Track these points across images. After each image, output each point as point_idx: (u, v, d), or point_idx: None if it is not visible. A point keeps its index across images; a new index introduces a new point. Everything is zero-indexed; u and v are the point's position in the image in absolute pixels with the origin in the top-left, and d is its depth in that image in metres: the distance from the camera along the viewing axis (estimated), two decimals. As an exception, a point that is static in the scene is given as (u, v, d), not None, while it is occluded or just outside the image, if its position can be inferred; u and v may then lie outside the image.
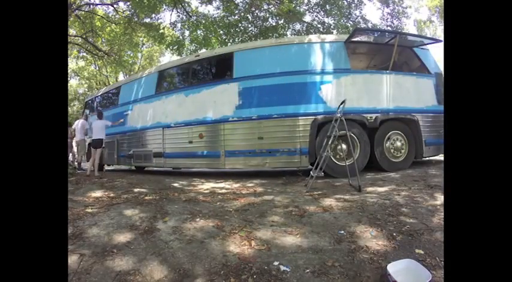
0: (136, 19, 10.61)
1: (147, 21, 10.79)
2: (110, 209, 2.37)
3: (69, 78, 17.20)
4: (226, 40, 10.41)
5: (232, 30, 10.42)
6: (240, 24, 10.58)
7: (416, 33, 13.38)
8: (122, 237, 1.74)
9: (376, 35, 4.57)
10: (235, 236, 1.75)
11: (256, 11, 10.55)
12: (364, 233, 1.74)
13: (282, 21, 10.61)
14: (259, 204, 2.46)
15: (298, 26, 10.75)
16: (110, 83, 15.78)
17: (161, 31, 10.42)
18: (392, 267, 1.24)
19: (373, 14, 39.12)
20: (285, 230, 1.84)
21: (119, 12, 11.10)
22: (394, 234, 1.69)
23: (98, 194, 3.11)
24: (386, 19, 10.38)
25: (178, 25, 10.84)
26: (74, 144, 6.97)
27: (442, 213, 1.95)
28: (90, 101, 7.83)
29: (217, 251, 1.56)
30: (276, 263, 1.39)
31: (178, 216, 2.17)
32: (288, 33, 10.71)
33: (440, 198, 2.37)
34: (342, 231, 1.77)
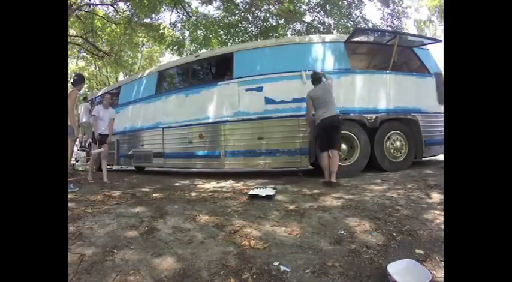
0: (136, 19, 10.62)
1: (147, 21, 10.80)
2: (110, 209, 2.37)
3: (69, 79, 17.18)
4: (227, 40, 10.41)
5: (232, 31, 10.43)
6: (240, 25, 10.58)
7: (416, 33, 13.39)
8: (122, 237, 1.74)
9: (376, 35, 4.57)
10: (235, 236, 1.75)
11: (257, 11, 10.55)
12: (364, 233, 1.74)
13: (282, 21, 10.62)
14: (259, 204, 2.46)
15: (298, 26, 10.75)
16: (110, 83, 15.79)
17: (161, 31, 10.43)
18: (392, 267, 1.24)
19: (373, 14, 39.12)
20: (285, 230, 1.84)
21: (119, 13, 11.10)
22: (394, 234, 1.69)
23: (98, 194, 3.11)
24: (387, 19, 10.39)
25: (179, 25, 10.85)
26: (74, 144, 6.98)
27: (442, 213, 1.95)
28: (90, 101, 7.83)
29: (217, 251, 1.56)
30: (276, 263, 1.40)
31: (179, 216, 2.17)
32: (288, 33, 10.71)
33: (440, 198, 2.37)
34: (342, 231, 1.77)
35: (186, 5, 10.55)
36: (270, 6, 10.26)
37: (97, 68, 16.92)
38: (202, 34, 10.13)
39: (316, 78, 3.48)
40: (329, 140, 3.30)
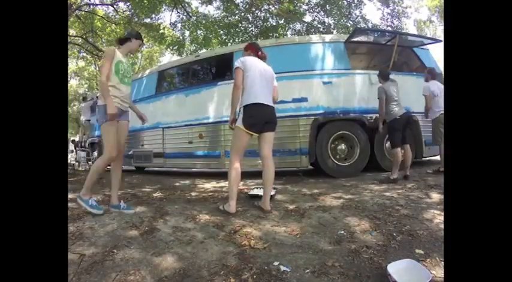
0: (136, 19, 10.61)
1: (147, 21, 10.79)
2: (110, 209, 2.37)
3: (69, 79, 17.22)
4: (227, 40, 10.41)
5: (232, 31, 10.42)
6: (240, 25, 10.58)
7: (416, 33, 13.39)
8: (122, 237, 1.74)
9: (376, 35, 4.57)
10: (235, 236, 1.75)
11: (257, 11, 10.55)
12: (364, 233, 1.74)
13: (282, 21, 10.62)
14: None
15: (298, 26, 10.76)
16: (110, 83, 15.75)
17: (161, 31, 10.43)
18: (392, 267, 1.24)
19: (373, 14, 39.13)
20: (285, 230, 1.84)
21: (119, 13, 11.10)
22: (394, 234, 1.69)
23: (98, 194, 3.11)
24: (387, 19, 10.40)
25: (179, 25, 10.85)
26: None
27: (442, 213, 1.95)
28: (90, 100, 7.82)
29: (217, 250, 1.56)
30: (276, 263, 1.40)
31: (179, 216, 2.17)
32: (288, 33, 10.71)
33: (439, 198, 2.37)
34: (342, 231, 1.77)
35: (186, 5, 10.55)
36: (270, 6, 10.26)
37: (97, 68, 16.92)
38: (202, 34, 10.12)
39: (387, 75, 3.53)
40: (403, 136, 3.41)
